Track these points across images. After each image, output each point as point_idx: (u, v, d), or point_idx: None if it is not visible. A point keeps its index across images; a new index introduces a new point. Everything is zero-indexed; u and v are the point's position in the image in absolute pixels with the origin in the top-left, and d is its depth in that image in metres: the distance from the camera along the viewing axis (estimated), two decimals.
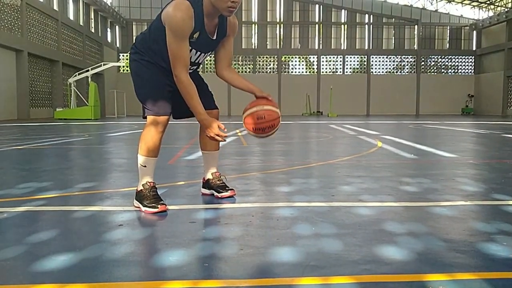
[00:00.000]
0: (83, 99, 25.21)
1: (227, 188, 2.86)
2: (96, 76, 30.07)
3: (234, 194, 2.87)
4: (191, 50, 2.48)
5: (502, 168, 4.37)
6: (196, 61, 2.60)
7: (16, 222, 2.31)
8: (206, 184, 2.94)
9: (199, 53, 2.55)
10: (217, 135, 2.42)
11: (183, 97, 2.46)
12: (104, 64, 27.30)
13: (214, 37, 2.54)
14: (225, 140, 2.50)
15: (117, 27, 40.39)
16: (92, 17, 34.87)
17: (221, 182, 2.88)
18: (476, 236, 2.01)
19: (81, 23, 32.38)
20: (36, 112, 25.80)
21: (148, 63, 2.54)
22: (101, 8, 34.65)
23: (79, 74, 25.29)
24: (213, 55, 2.73)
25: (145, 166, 2.55)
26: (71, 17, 30.84)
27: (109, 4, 37.08)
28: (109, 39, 38.97)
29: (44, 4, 26.59)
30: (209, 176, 2.91)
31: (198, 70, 2.81)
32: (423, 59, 42.43)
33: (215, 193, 2.86)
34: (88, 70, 25.77)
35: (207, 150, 2.90)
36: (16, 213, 2.47)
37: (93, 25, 35.00)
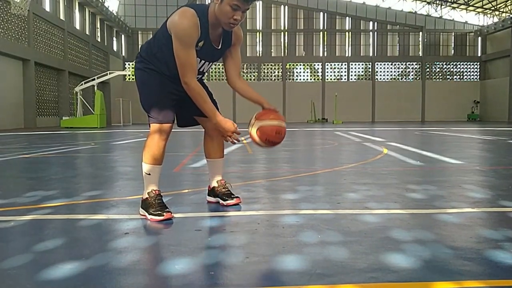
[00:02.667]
0: (89, 107, 25.36)
1: (232, 196, 2.86)
2: (102, 84, 30.28)
3: (240, 202, 2.87)
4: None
5: (509, 174, 4.34)
6: (201, 70, 2.61)
7: (23, 230, 2.32)
8: (212, 191, 2.94)
9: (203, 61, 2.56)
10: (234, 132, 2.47)
11: (196, 104, 2.47)
12: (110, 73, 27.47)
13: (219, 47, 2.56)
14: (239, 141, 2.55)
15: (122, 36, 40.71)
16: (98, 26, 35.18)
17: (226, 189, 2.88)
18: (483, 243, 2.00)
19: (87, 32, 32.67)
20: (43, 121, 25.97)
21: (152, 72, 2.56)
22: (107, 17, 34.96)
23: (85, 83, 25.46)
24: (218, 64, 2.75)
25: (149, 174, 2.56)
26: (77, 26, 31.12)
27: (115, 14, 37.41)
28: (115, 48, 39.27)
29: (51, 14, 26.87)
30: (214, 183, 2.92)
31: (203, 78, 2.82)
32: (428, 65, 42.37)
33: (221, 201, 2.86)
34: (94, 79, 25.95)
35: (211, 157, 2.91)
36: (22, 221, 2.48)
37: (99, 34, 35.29)
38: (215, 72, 40.77)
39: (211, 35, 2.48)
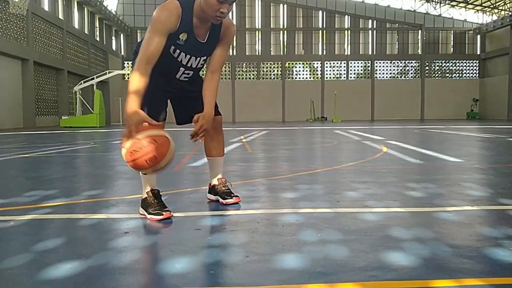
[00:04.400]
0: (89, 107, 25.36)
1: (232, 195, 2.86)
2: (101, 84, 30.26)
3: (239, 201, 2.87)
4: (180, 53, 2.46)
5: (508, 172, 4.34)
6: (189, 65, 2.55)
7: (23, 230, 2.32)
8: (212, 189, 2.94)
9: (189, 56, 2.50)
10: (128, 135, 2.19)
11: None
12: (109, 72, 27.48)
13: (204, 41, 2.49)
14: (123, 146, 2.25)
15: (121, 35, 40.66)
16: (97, 25, 35.14)
17: (226, 188, 2.88)
18: (483, 241, 2.00)
19: (86, 32, 32.64)
20: (42, 120, 25.95)
21: None
22: (106, 16, 34.92)
23: (84, 82, 25.46)
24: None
25: (145, 174, 2.55)
26: (76, 25, 31.09)
27: (114, 13, 37.36)
28: (114, 47, 39.22)
29: (49, 13, 26.83)
30: (214, 182, 2.92)
31: (198, 75, 2.78)
32: (427, 63, 42.37)
33: (220, 200, 2.86)
34: (93, 78, 25.94)
35: (212, 156, 2.91)
36: (22, 221, 2.48)
37: (98, 34, 35.26)
38: None
39: (196, 29, 2.43)
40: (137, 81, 2.25)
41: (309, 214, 2.57)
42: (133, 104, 2.20)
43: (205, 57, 2.60)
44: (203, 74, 2.72)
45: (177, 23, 2.33)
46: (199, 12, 2.37)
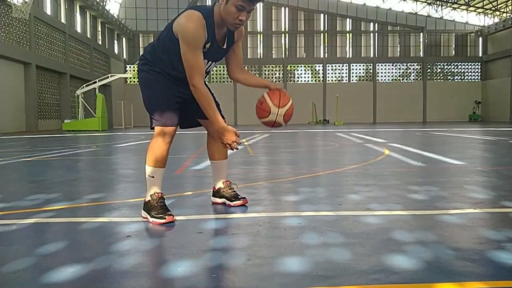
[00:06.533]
0: (91, 110, 25.40)
1: (239, 197, 2.87)
2: (103, 87, 30.30)
3: (246, 202, 2.89)
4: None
5: (511, 175, 4.33)
6: (207, 71, 2.62)
7: (25, 234, 2.33)
8: (217, 192, 2.95)
9: (210, 62, 2.58)
10: (234, 141, 2.46)
11: (201, 107, 2.48)
12: (111, 76, 27.52)
13: (224, 46, 2.58)
14: (238, 149, 2.56)
15: (124, 39, 40.78)
16: (99, 29, 35.26)
17: (232, 191, 2.90)
18: (486, 244, 1.99)
19: (88, 36, 32.74)
20: (44, 124, 26.01)
21: (157, 74, 2.56)
22: (108, 20, 35.03)
23: (86, 86, 25.51)
24: (218, 66, 2.75)
25: (153, 177, 2.56)
26: (79, 29, 31.19)
27: (116, 17, 37.49)
28: (116, 50, 39.33)
29: (52, 17, 26.94)
30: (220, 185, 2.93)
31: (205, 79, 2.81)
32: (429, 66, 42.36)
33: (227, 202, 2.87)
34: (95, 82, 25.99)
35: (216, 159, 2.92)
36: (25, 225, 2.48)
37: (100, 37, 35.37)
38: (216, 74, 40.82)
39: (217, 36, 2.49)
40: (209, 100, 2.46)
41: (311, 217, 2.57)
42: (221, 120, 2.50)
43: (219, 61, 2.69)
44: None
45: (205, 34, 2.39)
46: (218, 20, 2.43)
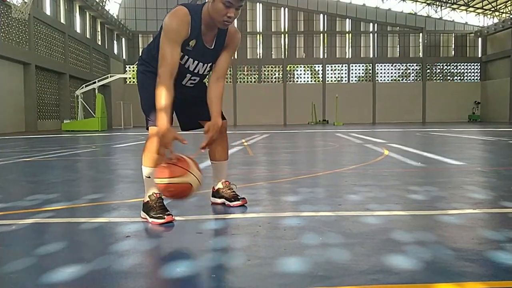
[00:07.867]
0: (90, 110, 25.40)
1: (238, 197, 2.88)
2: (103, 88, 30.31)
3: (246, 203, 2.89)
4: (188, 59, 2.50)
5: (510, 175, 4.33)
6: (196, 71, 2.59)
7: (24, 234, 2.32)
8: (217, 193, 2.95)
9: (196, 62, 2.54)
10: (164, 146, 2.31)
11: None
12: (110, 76, 27.52)
13: (212, 47, 2.53)
14: (171, 159, 2.34)
15: (123, 39, 40.78)
16: (99, 29, 35.26)
17: (232, 191, 2.90)
18: (485, 244, 1.99)
19: (87, 36, 32.74)
20: (44, 124, 26.00)
21: (152, 75, 2.55)
22: (108, 20, 35.03)
23: (86, 86, 25.50)
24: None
25: (149, 177, 2.56)
26: (78, 30, 31.19)
27: (116, 17, 37.48)
28: (115, 51, 39.33)
29: (51, 17, 26.93)
30: (219, 185, 2.93)
31: (203, 81, 2.81)
32: (428, 66, 42.39)
33: (227, 202, 2.87)
34: (95, 82, 25.99)
35: (216, 160, 2.92)
36: (24, 225, 2.48)
37: (99, 38, 35.37)
38: None
39: (205, 35, 2.47)
40: (164, 96, 2.30)
41: (311, 217, 2.57)
42: (164, 122, 2.27)
43: (211, 64, 2.63)
44: (206, 81, 2.73)
45: (188, 30, 2.37)
46: (207, 19, 2.41)
